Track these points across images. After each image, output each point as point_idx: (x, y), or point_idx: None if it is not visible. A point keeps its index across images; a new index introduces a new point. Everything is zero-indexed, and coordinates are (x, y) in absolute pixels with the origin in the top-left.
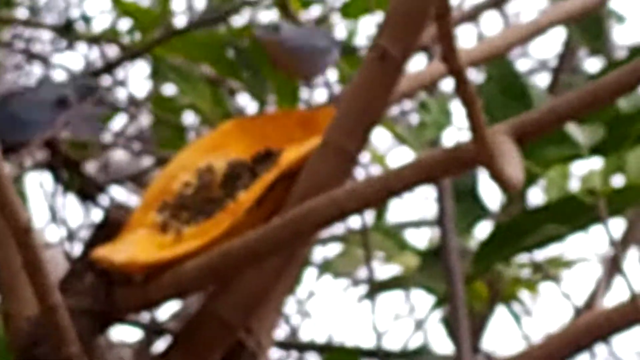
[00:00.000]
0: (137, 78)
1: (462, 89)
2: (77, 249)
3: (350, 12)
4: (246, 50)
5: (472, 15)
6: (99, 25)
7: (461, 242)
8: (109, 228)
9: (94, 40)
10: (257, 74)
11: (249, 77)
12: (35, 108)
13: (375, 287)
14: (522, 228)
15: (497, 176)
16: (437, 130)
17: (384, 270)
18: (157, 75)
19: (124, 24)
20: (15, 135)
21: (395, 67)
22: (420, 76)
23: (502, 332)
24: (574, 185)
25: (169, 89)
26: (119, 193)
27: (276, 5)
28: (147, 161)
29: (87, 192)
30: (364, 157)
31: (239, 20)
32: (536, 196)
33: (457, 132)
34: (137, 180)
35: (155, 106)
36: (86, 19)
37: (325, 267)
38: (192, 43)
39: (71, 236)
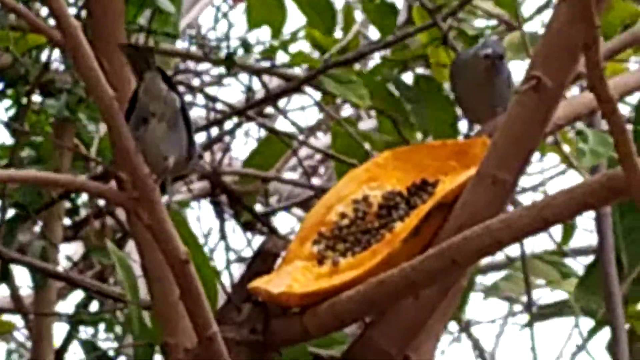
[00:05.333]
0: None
1: (610, 118)
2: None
3: None
4: (409, 85)
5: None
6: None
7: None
8: (265, 258)
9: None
10: (420, 107)
11: (412, 109)
12: None
13: (535, 315)
14: None
15: None
16: (595, 159)
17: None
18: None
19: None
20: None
21: (551, 98)
22: (576, 105)
23: None
24: None
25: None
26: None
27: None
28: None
29: (250, 222)
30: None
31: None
32: None
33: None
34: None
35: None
36: (247, 47)
37: (491, 289)
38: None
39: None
